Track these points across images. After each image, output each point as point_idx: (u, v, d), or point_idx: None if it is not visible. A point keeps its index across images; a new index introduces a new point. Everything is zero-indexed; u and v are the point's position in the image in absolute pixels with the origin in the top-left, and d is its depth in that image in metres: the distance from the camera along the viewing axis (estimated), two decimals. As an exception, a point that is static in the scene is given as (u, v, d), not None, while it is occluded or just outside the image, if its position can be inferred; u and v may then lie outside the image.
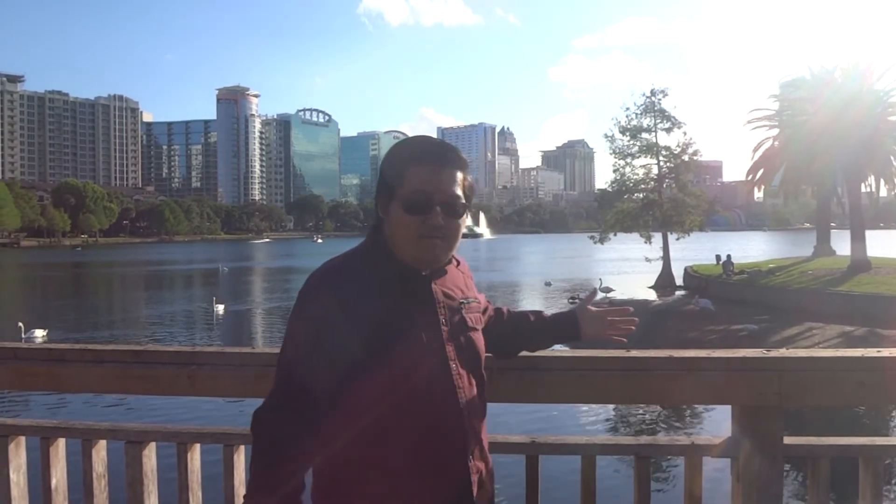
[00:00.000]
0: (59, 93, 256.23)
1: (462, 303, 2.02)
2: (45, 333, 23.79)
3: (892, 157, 34.04)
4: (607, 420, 14.86)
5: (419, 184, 1.88)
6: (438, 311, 1.94)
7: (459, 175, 1.95)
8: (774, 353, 2.41)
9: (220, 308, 33.36)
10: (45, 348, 2.81)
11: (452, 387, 1.90)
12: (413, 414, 1.85)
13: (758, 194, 49.81)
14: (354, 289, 1.86)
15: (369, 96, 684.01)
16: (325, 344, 1.83)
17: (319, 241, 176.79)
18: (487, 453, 2.02)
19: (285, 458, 1.82)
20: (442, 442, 1.88)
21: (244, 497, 1.87)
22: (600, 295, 35.86)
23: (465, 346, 1.98)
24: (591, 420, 14.48)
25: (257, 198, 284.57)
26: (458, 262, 2.10)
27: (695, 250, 55.47)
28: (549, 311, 2.38)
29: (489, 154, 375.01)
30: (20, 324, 23.25)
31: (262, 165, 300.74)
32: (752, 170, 42.33)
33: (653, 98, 42.23)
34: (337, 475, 1.89)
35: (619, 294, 36.37)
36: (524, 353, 2.38)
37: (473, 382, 1.98)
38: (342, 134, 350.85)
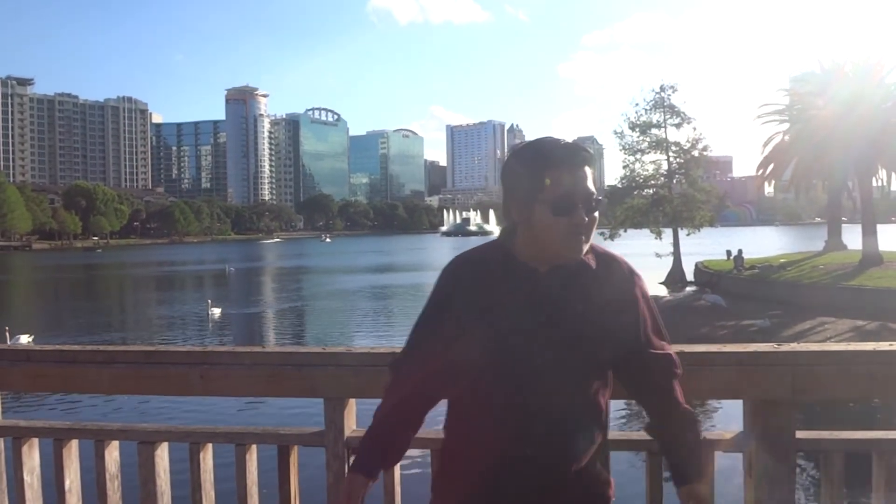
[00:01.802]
0: (68, 95, 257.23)
1: (578, 303, 1.98)
2: (30, 339, 23.40)
3: (902, 151, 33.87)
4: (619, 415, 14.82)
5: (563, 187, 1.93)
6: (543, 306, 1.97)
7: (590, 171, 1.99)
8: (786, 348, 2.41)
9: (216, 312, 32.23)
10: (58, 350, 2.83)
11: (537, 383, 1.94)
12: (479, 401, 2.00)
13: (768, 189, 49.79)
14: (474, 275, 2.03)
15: (378, 95, 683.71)
16: (435, 315, 2.06)
17: (328, 240, 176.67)
18: (587, 465, 2.02)
19: (382, 412, 2.13)
20: (508, 437, 1.96)
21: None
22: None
23: (568, 344, 1.96)
24: (602, 416, 14.43)
25: (267, 198, 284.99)
26: (608, 262, 2.10)
27: (705, 246, 55.28)
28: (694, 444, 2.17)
29: (498, 152, 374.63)
30: (6, 328, 23.07)
31: (271, 165, 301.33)
32: (763, 164, 42.29)
33: (662, 94, 42.15)
34: (445, 453, 2.16)
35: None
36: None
37: (571, 390, 1.98)
38: (351, 133, 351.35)
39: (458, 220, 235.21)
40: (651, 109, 42.43)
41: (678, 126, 42.40)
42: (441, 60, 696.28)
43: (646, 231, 43.69)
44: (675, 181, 43.10)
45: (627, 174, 43.80)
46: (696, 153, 42.40)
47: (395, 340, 25.51)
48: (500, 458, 1.95)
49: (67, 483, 2.81)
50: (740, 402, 2.49)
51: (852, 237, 39.33)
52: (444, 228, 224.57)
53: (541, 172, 1.96)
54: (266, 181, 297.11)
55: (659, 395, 2.16)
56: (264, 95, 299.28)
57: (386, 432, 2.12)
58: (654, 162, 43.37)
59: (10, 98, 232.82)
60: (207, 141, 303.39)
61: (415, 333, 2.12)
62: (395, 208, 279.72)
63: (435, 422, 2.28)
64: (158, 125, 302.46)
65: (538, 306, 1.96)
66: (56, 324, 33.13)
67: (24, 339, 23.03)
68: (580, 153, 1.99)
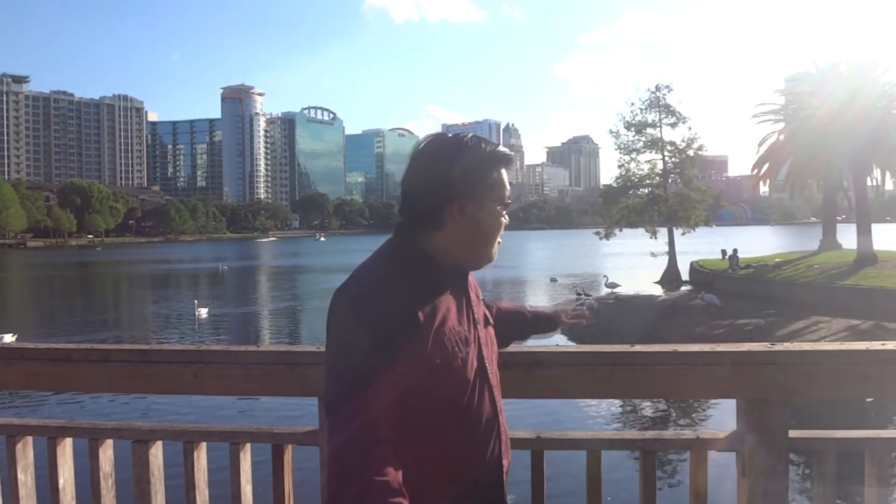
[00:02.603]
0: (64, 93, 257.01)
1: (483, 300, 2.06)
2: (13, 338, 23.03)
3: (897, 150, 33.96)
4: (613, 415, 14.86)
5: (505, 187, 1.91)
6: (475, 312, 1.95)
7: None
8: (779, 347, 2.41)
9: (203, 312, 31.34)
10: (52, 348, 2.82)
11: (490, 386, 1.90)
12: (460, 413, 1.82)
13: (763, 188, 49.83)
14: (409, 292, 1.77)
15: (374, 94, 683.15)
16: (388, 343, 1.69)
17: (322, 239, 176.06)
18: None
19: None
20: (482, 441, 1.88)
21: None
22: (606, 290, 35.91)
23: (491, 344, 2.00)
24: (596, 415, 14.48)
25: (262, 196, 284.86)
26: None
27: (700, 245, 55.36)
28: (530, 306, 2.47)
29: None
30: None
31: (267, 164, 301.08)
32: (758, 164, 42.31)
33: (657, 93, 42.31)
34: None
35: (625, 289, 36.35)
36: (528, 348, 2.41)
37: (498, 379, 1.98)
38: (347, 132, 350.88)
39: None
40: (646, 109, 42.66)
41: (673, 126, 42.63)
42: (437, 59, 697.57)
43: (641, 230, 43.85)
44: (670, 180, 43.26)
45: (623, 174, 43.96)
46: (691, 152, 42.56)
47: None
48: (474, 480, 1.88)
49: (61, 481, 2.81)
50: (734, 401, 2.50)
51: (847, 236, 39.43)
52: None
53: (491, 168, 1.89)
54: (262, 180, 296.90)
55: (506, 322, 2.31)
56: (260, 94, 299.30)
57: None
58: (649, 161, 43.60)
59: (5, 96, 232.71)
60: (203, 139, 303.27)
61: (377, 372, 1.69)
62: (390, 207, 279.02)
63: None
64: (154, 123, 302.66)
65: (471, 313, 1.92)
66: (47, 322, 33.06)
67: (8, 338, 22.70)
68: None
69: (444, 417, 1.80)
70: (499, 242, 1.94)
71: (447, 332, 1.79)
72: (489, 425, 1.89)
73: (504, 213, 1.92)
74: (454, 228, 1.86)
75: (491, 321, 2.07)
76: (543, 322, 2.44)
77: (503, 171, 1.91)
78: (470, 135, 1.94)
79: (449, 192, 1.85)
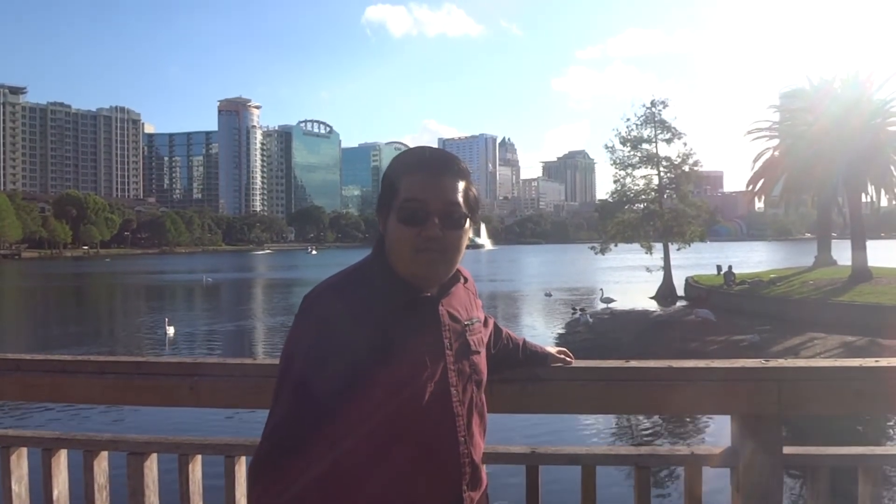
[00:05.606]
0: (61, 104, 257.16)
1: (467, 324, 1.93)
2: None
3: (891, 167, 34.12)
4: (607, 430, 14.83)
5: (413, 192, 1.79)
6: (444, 335, 1.85)
7: (460, 184, 1.84)
8: (773, 363, 2.41)
9: (171, 330, 28.81)
10: (48, 359, 2.81)
11: (452, 415, 1.82)
12: (408, 438, 1.74)
13: (759, 204, 49.96)
14: (360, 298, 1.77)
15: (371, 108, 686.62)
16: (332, 349, 1.70)
17: (314, 252, 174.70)
18: (483, 477, 1.94)
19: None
20: (437, 470, 1.80)
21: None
22: (601, 305, 35.89)
23: (469, 370, 1.89)
24: (591, 430, 14.44)
25: (259, 209, 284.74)
26: (466, 279, 2.01)
27: (696, 260, 55.45)
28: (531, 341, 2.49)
29: (490, 165, 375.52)
30: None
31: (263, 176, 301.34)
32: (753, 180, 42.43)
33: (653, 109, 42.31)
34: (331, 489, 1.71)
35: (620, 305, 36.34)
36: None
37: (474, 408, 1.90)
38: (343, 145, 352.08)
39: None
40: (642, 124, 42.61)
41: (669, 141, 42.56)
42: (435, 73, 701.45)
43: (636, 245, 43.85)
44: (665, 196, 43.22)
45: (618, 189, 43.91)
46: (686, 168, 42.53)
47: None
48: None
49: (55, 493, 2.80)
50: (728, 417, 2.50)
51: (842, 253, 39.52)
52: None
53: (399, 175, 1.84)
54: (258, 192, 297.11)
55: (509, 351, 2.33)
56: (257, 107, 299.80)
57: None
58: (644, 177, 43.54)
59: (2, 106, 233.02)
60: (199, 152, 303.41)
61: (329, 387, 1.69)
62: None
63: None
64: (151, 135, 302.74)
65: (437, 338, 1.84)
66: (32, 332, 32.87)
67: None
68: (448, 162, 1.85)
69: (378, 438, 1.72)
70: (436, 257, 1.82)
71: (381, 341, 1.72)
72: (443, 454, 1.82)
73: (428, 223, 1.79)
74: (387, 241, 1.87)
75: (478, 349, 1.96)
76: (533, 360, 2.42)
77: (412, 177, 1.83)
78: (423, 146, 1.93)
79: (379, 201, 1.91)
